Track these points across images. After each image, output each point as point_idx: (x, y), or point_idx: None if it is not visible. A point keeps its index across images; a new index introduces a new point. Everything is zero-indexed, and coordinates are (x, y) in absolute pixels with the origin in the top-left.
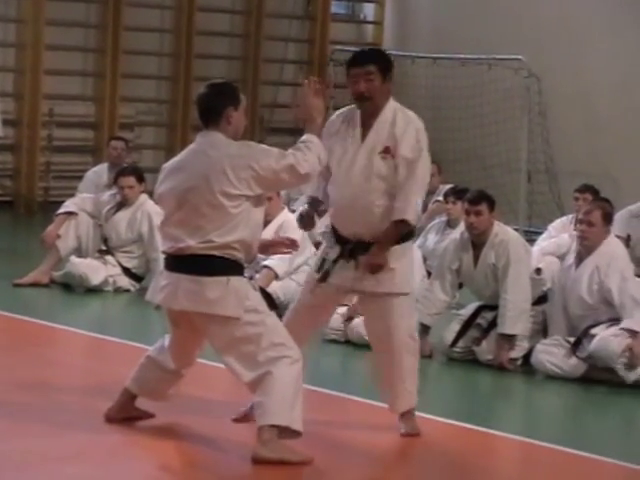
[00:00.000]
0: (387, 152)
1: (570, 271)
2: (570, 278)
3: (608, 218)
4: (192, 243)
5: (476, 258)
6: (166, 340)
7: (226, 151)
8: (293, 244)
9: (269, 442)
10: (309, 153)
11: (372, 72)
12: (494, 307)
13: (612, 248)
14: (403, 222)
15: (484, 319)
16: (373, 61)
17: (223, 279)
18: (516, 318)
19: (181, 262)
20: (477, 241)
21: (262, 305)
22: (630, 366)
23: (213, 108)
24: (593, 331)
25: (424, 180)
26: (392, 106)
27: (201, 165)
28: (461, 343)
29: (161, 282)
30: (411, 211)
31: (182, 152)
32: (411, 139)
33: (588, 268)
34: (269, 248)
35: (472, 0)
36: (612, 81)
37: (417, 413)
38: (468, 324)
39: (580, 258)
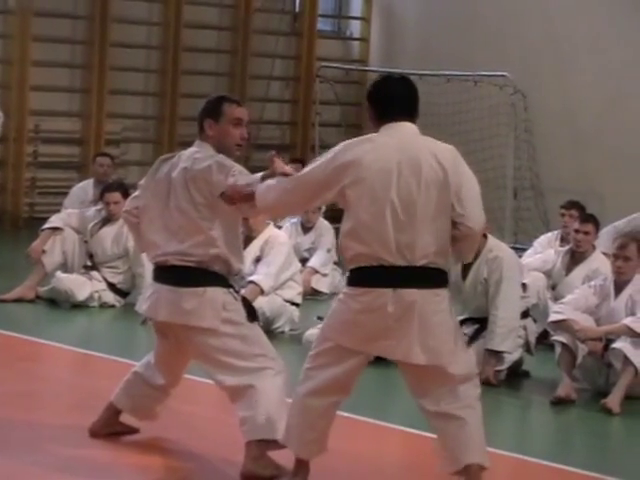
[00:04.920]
0: None
1: (609, 301)
2: (608, 307)
3: None
4: (169, 252)
5: (464, 271)
6: (152, 356)
7: (192, 161)
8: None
9: (259, 458)
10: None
11: None
12: (476, 319)
13: None
14: None
15: (465, 335)
16: None
17: (200, 290)
18: (505, 335)
19: (162, 272)
20: None
21: (240, 316)
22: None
23: (198, 119)
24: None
25: None
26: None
27: (175, 172)
28: None
29: (148, 292)
30: None
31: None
32: None
33: (624, 297)
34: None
35: (458, 17)
36: (598, 98)
37: (406, 429)
38: None
39: (617, 289)
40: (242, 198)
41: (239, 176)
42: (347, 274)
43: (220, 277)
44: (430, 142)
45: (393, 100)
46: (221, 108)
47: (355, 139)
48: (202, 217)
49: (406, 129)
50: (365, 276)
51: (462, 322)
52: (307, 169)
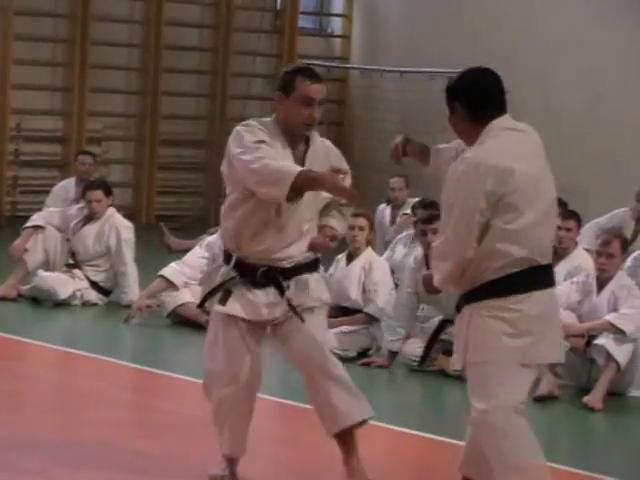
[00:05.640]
0: None
1: (591, 297)
2: (590, 304)
3: (626, 245)
4: None
5: None
6: None
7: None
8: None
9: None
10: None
11: None
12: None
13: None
14: None
15: (448, 334)
16: None
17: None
18: None
19: None
20: None
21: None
22: None
23: (274, 89)
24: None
25: None
26: None
27: None
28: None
29: None
30: None
31: None
32: None
33: (607, 293)
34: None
35: (440, 14)
36: (580, 96)
37: (389, 425)
38: (433, 340)
39: (600, 285)
40: (430, 285)
41: (267, 160)
42: (478, 286)
43: (227, 254)
44: (528, 129)
45: (494, 93)
46: (294, 83)
47: (483, 147)
48: (230, 189)
49: (514, 124)
50: (517, 282)
51: (443, 323)
52: (456, 209)
